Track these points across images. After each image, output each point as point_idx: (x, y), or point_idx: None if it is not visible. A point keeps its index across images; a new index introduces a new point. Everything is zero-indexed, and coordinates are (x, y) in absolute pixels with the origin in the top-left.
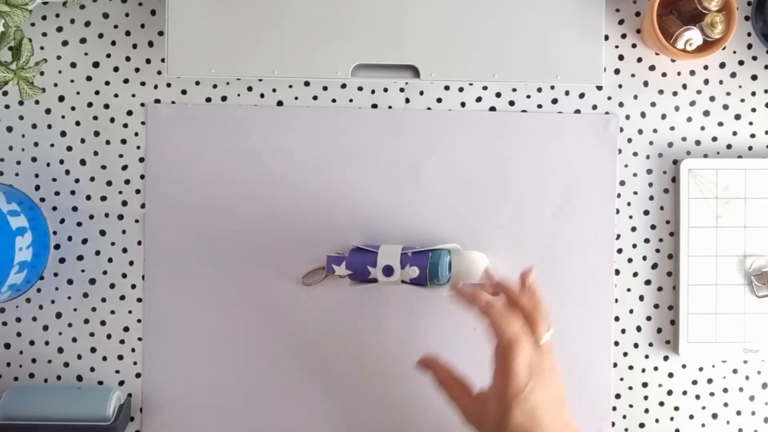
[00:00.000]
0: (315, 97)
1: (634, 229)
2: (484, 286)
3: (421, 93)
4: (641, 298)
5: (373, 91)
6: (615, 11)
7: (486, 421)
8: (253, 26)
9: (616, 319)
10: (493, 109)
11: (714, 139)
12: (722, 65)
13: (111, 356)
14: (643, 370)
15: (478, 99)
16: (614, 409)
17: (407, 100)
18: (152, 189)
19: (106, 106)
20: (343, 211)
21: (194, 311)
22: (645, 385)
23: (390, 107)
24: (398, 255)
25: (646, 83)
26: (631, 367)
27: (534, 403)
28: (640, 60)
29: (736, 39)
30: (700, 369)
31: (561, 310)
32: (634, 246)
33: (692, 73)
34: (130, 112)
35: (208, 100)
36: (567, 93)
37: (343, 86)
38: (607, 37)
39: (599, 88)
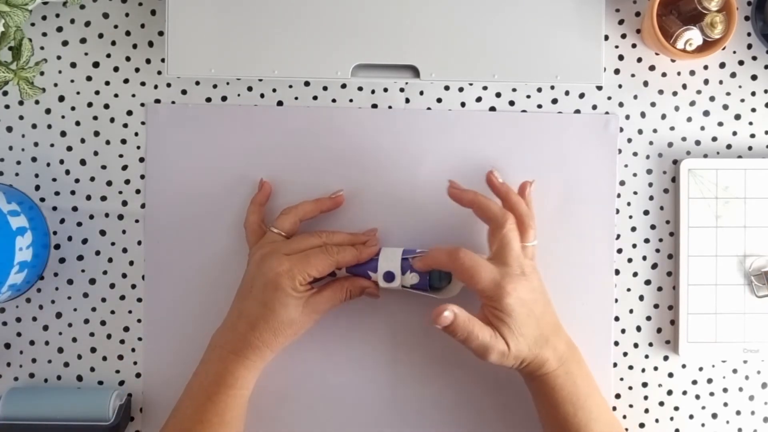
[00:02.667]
0: (315, 97)
1: (634, 229)
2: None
3: (421, 93)
4: (641, 298)
5: (373, 91)
6: (615, 11)
7: (501, 330)
8: (253, 26)
9: (616, 319)
10: (493, 109)
11: (714, 139)
12: (722, 65)
13: (111, 356)
14: (643, 370)
15: (478, 99)
16: (614, 409)
17: (407, 100)
18: (152, 189)
19: (106, 106)
20: (343, 210)
21: (194, 311)
22: (645, 385)
23: (390, 107)
24: (399, 260)
25: (646, 83)
26: (631, 367)
27: (530, 285)
28: (640, 60)
29: (736, 39)
30: (700, 369)
31: (561, 310)
32: (634, 246)
33: (692, 73)
34: (130, 112)
35: (208, 100)
36: (567, 93)
37: (343, 86)
38: (607, 37)
39: (599, 88)
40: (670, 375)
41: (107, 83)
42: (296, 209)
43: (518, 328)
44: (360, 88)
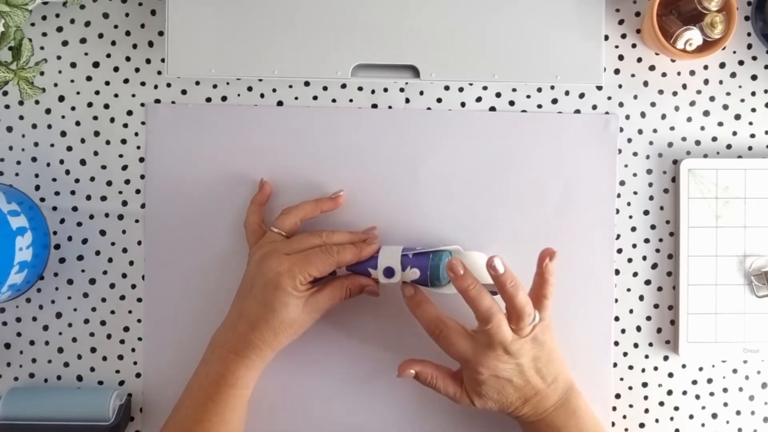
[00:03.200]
0: (315, 97)
1: (634, 229)
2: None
3: (421, 93)
4: (641, 298)
5: (373, 91)
6: (615, 11)
7: (469, 399)
8: (253, 26)
9: (616, 319)
10: (493, 109)
11: (714, 139)
12: (722, 65)
13: (111, 356)
14: (643, 370)
15: (478, 99)
16: (614, 409)
17: (407, 100)
18: (152, 189)
19: (106, 106)
20: (343, 211)
21: (194, 311)
22: (645, 385)
23: (390, 107)
24: (399, 256)
25: (646, 83)
26: (631, 367)
27: (513, 362)
28: (640, 60)
29: (736, 39)
30: (700, 369)
31: (561, 310)
32: (634, 246)
33: (692, 73)
34: (130, 112)
35: (208, 100)
36: (567, 93)
37: (343, 86)
38: (607, 37)
39: (599, 88)
40: (670, 375)
41: (107, 83)
42: (297, 209)
43: (489, 393)
44: (360, 88)
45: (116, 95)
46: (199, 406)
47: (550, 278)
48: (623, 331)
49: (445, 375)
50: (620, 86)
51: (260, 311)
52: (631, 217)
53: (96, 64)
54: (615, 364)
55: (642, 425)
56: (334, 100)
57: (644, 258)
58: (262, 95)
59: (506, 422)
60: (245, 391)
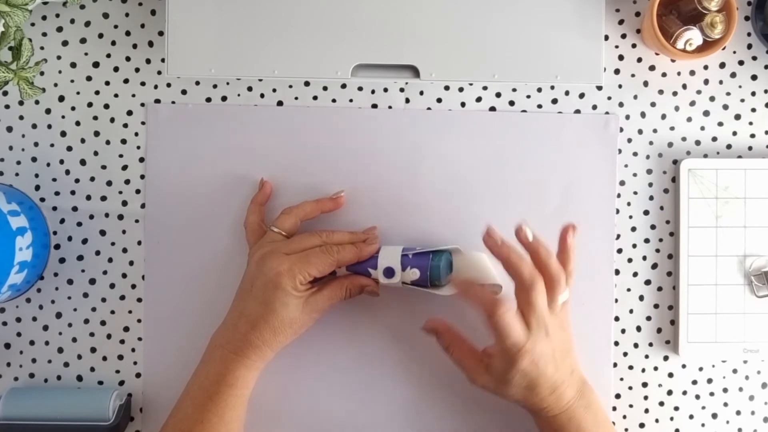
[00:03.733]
0: (315, 97)
1: (634, 229)
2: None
3: (421, 93)
4: (641, 298)
5: (373, 91)
6: (615, 11)
7: (492, 377)
8: (253, 26)
9: (616, 319)
10: (493, 109)
11: (714, 139)
12: (722, 65)
13: (111, 356)
14: (643, 370)
15: (478, 99)
16: (614, 409)
17: (407, 100)
18: (152, 189)
19: (106, 106)
20: (343, 211)
21: (194, 311)
22: (645, 385)
23: (390, 107)
24: (399, 256)
25: (646, 83)
26: (631, 367)
27: (539, 354)
28: (640, 60)
29: (736, 39)
30: (700, 369)
31: None
32: (634, 246)
33: (692, 73)
34: (130, 112)
35: (208, 100)
36: (567, 93)
37: (343, 86)
38: (607, 37)
39: (599, 88)
40: (670, 375)
41: (107, 83)
42: (297, 209)
43: (519, 382)
44: (360, 88)
45: (116, 95)
46: (198, 406)
47: (572, 254)
48: (623, 331)
49: (464, 347)
50: (620, 86)
51: (260, 311)
52: (631, 217)
53: (96, 64)
54: (615, 364)
55: (642, 425)
56: (334, 100)
57: (644, 258)
58: (262, 95)
59: (509, 422)
60: (245, 391)
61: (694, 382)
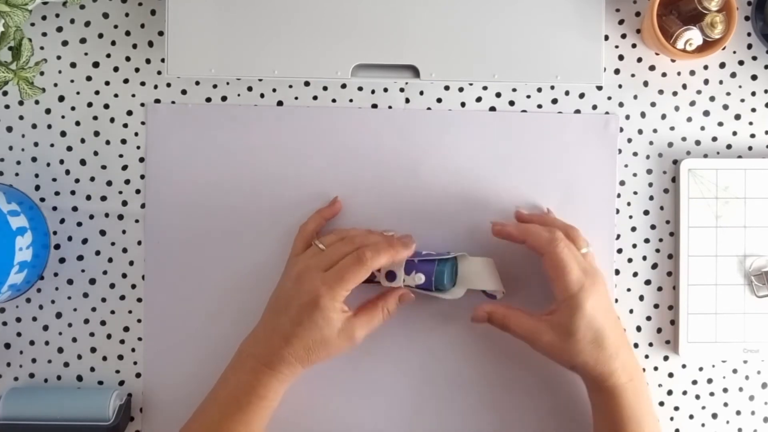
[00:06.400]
0: (315, 97)
1: (634, 229)
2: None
3: (421, 93)
4: (641, 298)
5: (373, 91)
6: (615, 11)
7: (557, 332)
8: (253, 26)
9: None
10: (493, 109)
11: (714, 139)
12: (722, 65)
13: (111, 356)
14: (643, 370)
15: (478, 99)
16: None
17: (407, 100)
18: (152, 189)
19: (106, 106)
20: (343, 211)
21: (194, 311)
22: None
23: (390, 107)
24: (402, 261)
25: (646, 83)
26: None
27: (597, 296)
28: (640, 60)
29: (736, 39)
30: (700, 369)
31: None
32: (634, 246)
33: (692, 73)
34: (130, 112)
35: (208, 100)
36: (567, 93)
37: (343, 86)
38: (607, 37)
39: (599, 88)
40: (670, 375)
41: (107, 83)
42: (313, 224)
43: (586, 334)
44: (360, 88)
45: (116, 95)
46: (227, 414)
47: (559, 221)
48: (623, 331)
49: (520, 314)
50: (620, 86)
51: (295, 330)
52: (631, 217)
53: (96, 64)
54: None
55: None
56: (334, 100)
57: (644, 258)
58: (262, 95)
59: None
60: (274, 403)
61: (694, 382)
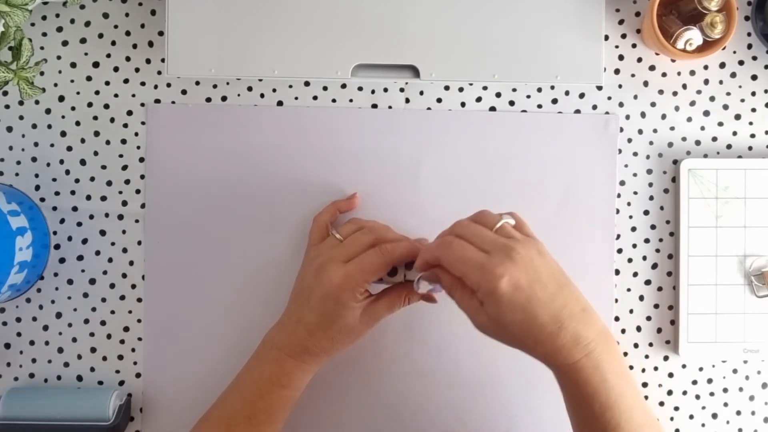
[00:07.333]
0: (315, 97)
1: (634, 229)
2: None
3: (421, 93)
4: (641, 298)
5: (373, 91)
6: (615, 11)
7: (488, 316)
8: (253, 26)
9: (616, 319)
10: (493, 109)
11: (714, 139)
12: (722, 65)
13: (111, 356)
14: (643, 370)
15: (478, 99)
16: None
17: (407, 100)
18: (152, 189)
19: (106, 106)
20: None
21: (194, 311)
22: (645, 385)
23: (390, 107)
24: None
25: (646, 83)
26: (631, 367)
27: (517, 270)
28: (640, 60)
29: (736, 39)
30: (700, 369)
31: None
32: (634, 246)
33: (692, 73)
34: (130, 112)
35: (208, 100)
36: (567, 93)
37: (343, 86)
38: (607, 37)
39: (599, 88)
40: (670, 375)
41: (107, 83)
42: (327, 214)
43: (511, 312)
44: (360, 88)
45: (116, 95)
46: (249, 403)
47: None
48: (623, 331)
49: (465, 288)
50: (620, 86)
51: (318, 321)
52: (631, 217)
53: (96, 64)
54: None
55: None
56: (334, 100)
57: (644, 258)
58: (262, 95)
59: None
60: (297, 393)
61: (694, 382)
